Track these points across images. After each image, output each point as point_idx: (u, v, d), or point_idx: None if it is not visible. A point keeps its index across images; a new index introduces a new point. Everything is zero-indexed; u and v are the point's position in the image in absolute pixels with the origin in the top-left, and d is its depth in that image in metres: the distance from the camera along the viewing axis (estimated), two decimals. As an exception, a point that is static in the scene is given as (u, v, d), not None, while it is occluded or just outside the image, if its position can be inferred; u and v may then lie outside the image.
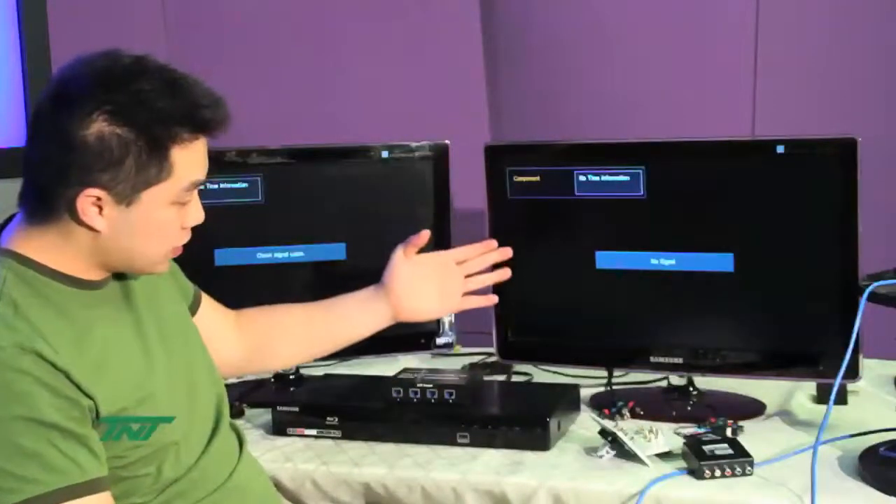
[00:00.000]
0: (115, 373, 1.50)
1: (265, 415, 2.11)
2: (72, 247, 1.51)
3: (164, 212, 1.52)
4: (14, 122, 2.36)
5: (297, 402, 2.09)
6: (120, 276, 1.62)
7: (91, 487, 1.43)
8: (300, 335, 1.98)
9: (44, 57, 2.38)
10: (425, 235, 1.96)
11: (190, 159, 1.51)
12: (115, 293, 1.61)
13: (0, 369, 1.40)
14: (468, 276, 1.99)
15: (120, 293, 1.62)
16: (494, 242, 1.99)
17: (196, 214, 1.58)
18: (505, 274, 2.00)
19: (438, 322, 2.33)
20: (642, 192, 2.12)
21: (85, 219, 1.48)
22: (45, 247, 1.51)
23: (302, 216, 2.29)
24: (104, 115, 1.45)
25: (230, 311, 1.96)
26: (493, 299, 2.06)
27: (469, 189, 2.30)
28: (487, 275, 2.01)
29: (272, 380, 2.34)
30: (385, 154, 2.31)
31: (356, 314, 1.98)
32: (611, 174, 2.14)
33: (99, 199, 1.47)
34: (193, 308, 1.85)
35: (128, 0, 2.97)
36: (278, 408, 2.07)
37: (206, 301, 1.90)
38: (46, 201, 1.50)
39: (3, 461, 1.39)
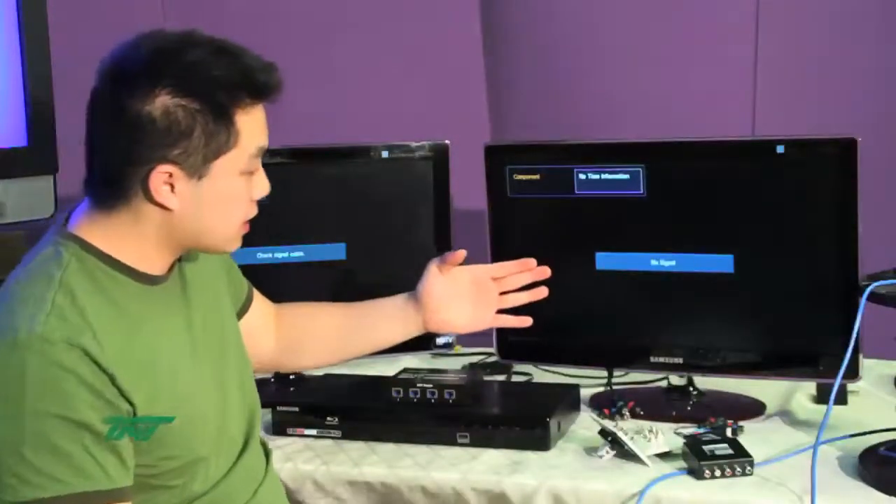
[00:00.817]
0: (158, 379, 1.48)
1: (265, 415, 2.10)
2: (141, 230, 1.50)
3: (234, 182, 1.51)
4: (14, 122, 2.35)
5: (297, 402, 2.09)
6: (181, 268, 1.61)
7: (114, 496, 1.42)
8: (333, 337, 1.96)
9: (44, 57, 2.38)
10: (461, 254, 1.90)
11: (253, 124, 1.51)
12: (174, 288, 1.59)
13: (46, 364, 1.38)
14: (503, 293, 1.93)
15: (179, 287, 1.60)
16: (533, 261, 1.92)
17: (263, 185, 1.58)
18: (541, 293, 1.94)
19: None
20: (642, 191, 2.12)
21: (158, 197, 1.47)
22: (111, 234, 1.50)
23: (302, 216, 2.29)
24: (166, 89, 1.44)
25: (272, 306, 1.94)
26: (528, 321, 1.95)
27: (469, 189, 2.30)
28: (522, 293, 1.93)
29: (272, 380, 2.34)
30: (385, 154, 2.31)
31: (389, 322, 1.94)
32: (611, 172, 2.14)
33: (171, 175, 1.46)
34: (245, 307, 1.85)
35: (128, 0, 2.97)
36: (278, 408, 2.07)
37: (257, 297, 1.89)
38: (116, 184, 1.48)
39: (32, 455, 1.38)
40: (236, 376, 1.68)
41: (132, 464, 1.46)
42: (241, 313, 1.83)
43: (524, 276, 1.93)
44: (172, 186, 1.47)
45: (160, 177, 1.46)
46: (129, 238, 1.51)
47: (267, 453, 1.75)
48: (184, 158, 1.46)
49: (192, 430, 1.53)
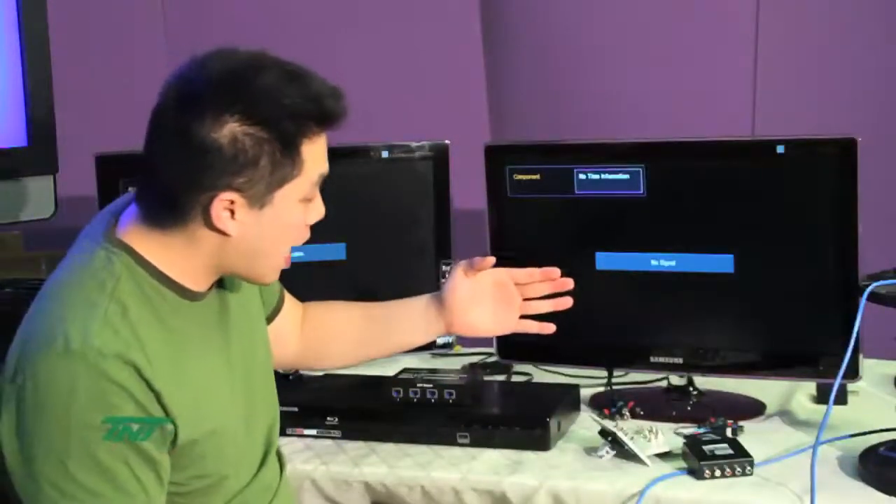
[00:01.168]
0: (199, 400, 1.47)
1: (265, 415, 2.11)
2: (195, 251, 1.47)
3: (294, 210, 1.50)
4: (14, 122, 2.35)
5: (297, 402, 2.09)
6: (219, 287, 1.58)
7: None
8: (356, 337, 1.91)
9: (44, 57, 2.38)
10: (490, 261, 1.85)
11: (317, 153, 1.49)
12: (213, 305, 1.57)
13: (97, 377, 1.37)
14: (527, 299, 1.89)
15: (217, 305, 1.58)
16: (557, 271, 1.88)
17: (319, 209, 1.56)
18: (566, 303, 1.90)
19: None
20: (642, 191, 2.12)
21: (218, 223, 1.44)
22: (163, 250, 1.47)
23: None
24: (235, 116, 1.41)
25: (301, 307, 1.91)
26: (551, 328, 1.90)
27: (469, 189, 2.30)
28: (547, 302, 1.90)
29: (272, 380, 2.34)
30: (385, 154, 2.31)
31: (412, 323, 1.89)
32: (611, 172, 2.14)
33: (232, 202, 1.43)
34: (276, 310, 1.82)
35: (128, 0, 2.97)
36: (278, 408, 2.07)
37: (288, 300, 1.86)
38: (175, 207, 1.45)
39: (75, 467, 1.37)
40: (262, 391, 1.67)
41: (167, 480, 1.45)
42: (271, 317, 1.81)
43: (546, 285, 1.88)
44: (233, 213, 1.45)
45: (222, 203, 1.43)
46: (180, 257, 1.48)
47: (282, 464, 1.74)
48: (248, 187, 1.43)
49: (223, 449, 1.53)
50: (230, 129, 1.41)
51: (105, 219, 1.52)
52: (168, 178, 1.45)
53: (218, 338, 1.57)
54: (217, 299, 1.58)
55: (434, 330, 1.88)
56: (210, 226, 1.45)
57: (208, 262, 1.49)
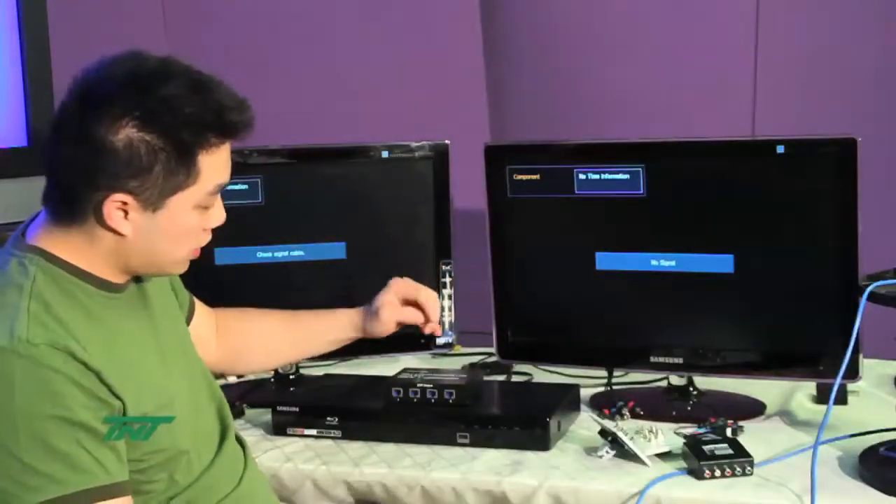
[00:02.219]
0: (139, 376, 1.51)
1: (265, 415, 2.11)
2: (96, 249, 1.51)
3: (188, 216, 1.52)
4: (14, 122, 2.36)
5: (297, 402, 2.09)
6: (137, 280, 1.62)
7: (115, 490, 1.43)
8: (274, 344, 2.00)
9: (44, 57, 2.38)
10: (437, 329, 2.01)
11: (216, 163, 1.51)
12: (134, 297, 1.61)
13: (34, 367, 1.39)
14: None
15: (138, 297, 1.62)
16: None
17: (219, 215, 1.59)
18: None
19: (439, 322, 2.32)
20: (642, 190, 2.12)
21: (110, 223, 1.48)
22: (69, 248, 1.51)
23: (302, 216, 2.29)
24: (133, 121, 1.44)
25: (213, 313, 1.97)
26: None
27: (469, 189, 2.30)
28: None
29: (272, 380, 2.34)
30: (385, 154, 2.31)
31: (333, 335, 2.01)
32: (611, 172, 2.14)
33: (125, 203, 1.46)
34: (189, 316, 1.86)
35: (128, 0, 2.97)
36: (278, 408, 2.07)
37: (199, 306, 1.91)
38: (72, 203, 1.49)
39: (30, 458, 1.38)
40: (200, 373, 1.72)
41: (126, 458, 1.47)
42: (186, 320, 1.85)
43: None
44: (126, 213, 1.48)
45: (114, 204, 1.47)
46: (84, 253, 1.52)
47: (242, 444, 1.77)
48: (140, 191, 1.46)
49: (175, 424, 1.55)
50: (126, 134, 1.44)
51: (14, 235, 1.56)
52: (65, 176, 1.49)
53: (145, 325, 1.61)
54: (137, 291, 1.62)
55: (350, 334, 2.01)
56: (104, 225, 1.48)
57: (111, 259, 1.53)
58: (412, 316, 1.98)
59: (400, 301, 1.98)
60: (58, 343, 1.41)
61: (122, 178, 1.45)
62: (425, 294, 1.99)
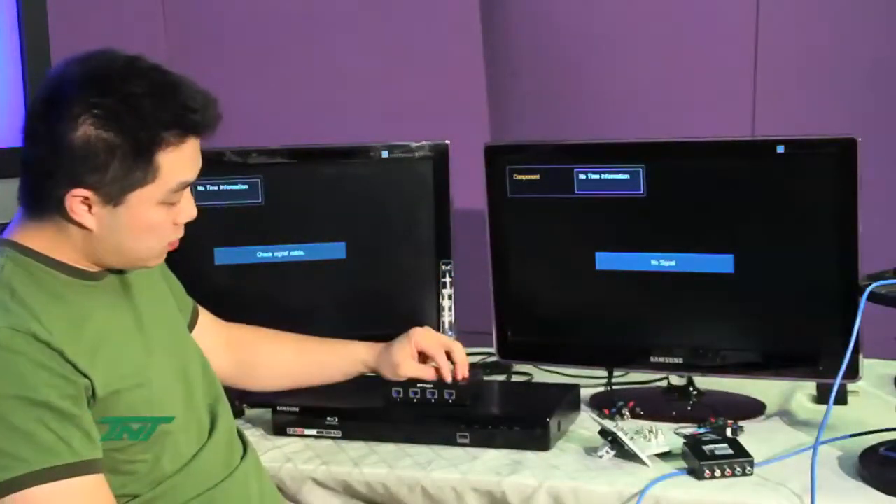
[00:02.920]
0: (112, 355, 1.52)
1: (265, 415, 2.11)
2: (67, 242, 1.53)
3: (152, 212, 1.53)
4: (14, 122, 2.35)
5: (297, 402, 2.09)
6: (118, 272, 1.64)
7: (82, 469, 1.44)
8: (285, 367, 2.03)
9: (44, 57, 2.38)
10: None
11: (177, 161, 1.52)
12: (114, 286, 1.62)
13: None
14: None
15: (119, 286, 1.63)
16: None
17: (188, 211, 1.59)
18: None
19: (438, 322, 2.33)
20: (642, 190, 2.12)
21: (75, 217, 1.50)
22: (42, 240, 1.54)
23: (302, 216, 2.29)
24: (91, 119, 1.46)
25: (223, 325, 1.98)
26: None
27: (469, 189, 2.30)
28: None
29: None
30: (385, 154, 2.31)
31: (344, 367, 2.04)
32: (611, 172, 2.14)
33: (87, 198, 1.49)
34: (192, 323, 1.87)
35: (128, 0, 2.97)
36: (278, 408, 2.07)
37: (204, 315, 1.92)
38: (39, 199, 1.52)
39: None
40: (198, 366, 1.72)
41: (98, 437, 1.48)
42: (189, 327, 1.86)
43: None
44: (90, 208, 1.50)
45: (76, 199, 1.49)
46: (56, 246, 1.54)
47: (244, 442, 1.77)
48: (99, 186, 1.48)
49: (154, 400, 1.56)
50: (84, 131, 1.46)
51: None
52: (32, 172, 1.53)
53: (124, 310, 1.62)
54: (118, 284, 1.63)
55: (358, 371, 2.04)
56: (69, 219, 1.50)
57: (82, 253, 1.55)
58: (429, 374, 2.00)
59: (418, 355, 2.01)
60: (19, 326, 1.43)
61: (81, 173, 1.47)
62: (446, 352, 2.01)
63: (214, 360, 1.86)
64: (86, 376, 1.47)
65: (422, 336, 2.00)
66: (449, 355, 2.00)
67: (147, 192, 1.51)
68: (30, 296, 1.48)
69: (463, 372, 1.99)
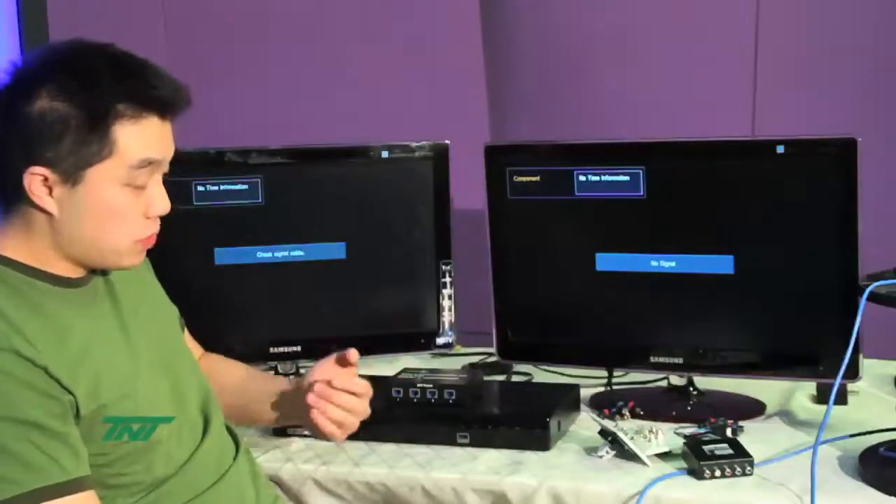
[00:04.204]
0: (96, 369, 1.48)
1: (265, 415, 2.11)
2: (36, 237, 1.50)
3: (113, 193, 1.49)
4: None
5: (297, 402, 2.09)
6: (105, 273, 1.61)
7: (72, 487, 1.42)
8: (232, 396, 1.85)
9: (44, 57, 2.38)
10: (354, 354, 1.80)
11: (135, 137, 1.48)
12: (97, 291, 1.59)
13: None
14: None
15: (104, 290, 1.60)
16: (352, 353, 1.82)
17: (159, 203, 1.54)
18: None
19: (438, 322, 2.33)
20: (642, 192, 2.12)
21: (34, 199, 1.47)
22: (14, 242, 1.50)
23: (302, 216, 2.29)
24: (47, 91, 1.45)
25: (200, 349, 1.92)
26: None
27: (469, 189, 2.30)
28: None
29: (272, 380, 2.34)
30: (385, 154, 2.31)
31: (276, 404, 1.85)
32: (611, 174, 2.14)
33: (46, 179, 1.46)
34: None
35: (128, 0, 2.97)
36: (278, 408, 2.07)
37: (185, 334, 1.87)
38: (2, 186, 1.49)
39: None
40: (187, 365, 1.70)
41: (85, 454, 1.46)
42: None
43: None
44: (51, 190, 1.47)
45: (35, 178, 1.46)
46: (29, 244, 1.51)
47: (236, 441, 1.75)
48: (55, 161, 1.45)
49: (142, 412, 1.53)
50: (39, 104, 1.45)
51: None
52: None
53: (108, 317, 1.58)
54: (103, 287, 1.60)
55: (288, 414, 1.84)
56: (31, 204, 1.47)
57: (54, 248, 1.51)
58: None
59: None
60: (2, 343, 1.40)
61: (36, 147, 1.45)
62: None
63: None
64: (70, 392, 1.44)
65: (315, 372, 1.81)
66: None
67: (105, 168, 1.47)
68: (10, 308, 1.44)
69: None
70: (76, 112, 1.45)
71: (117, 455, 1.51)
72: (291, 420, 1.90)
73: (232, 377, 1.89)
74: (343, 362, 1.80)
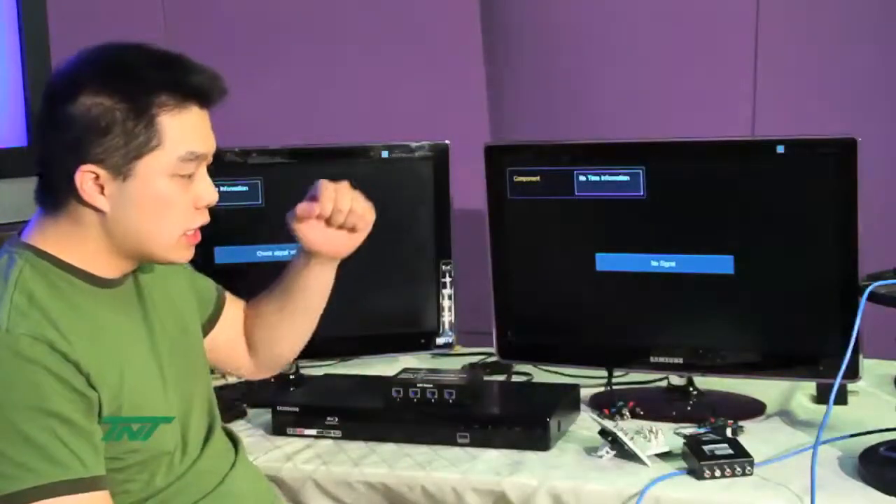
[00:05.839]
0: (122, 371, 1.50)
1: (265, 415, 2.11)
2: (84, 235, 1.51)
3: (163, 185, 1.50)
4: (14, 122, 2.36)
5: (297, 402, 2.09)
6: (136, 277, 1.62)
7: (90, 484, 1.42)
8: (281, 322, 1.91)
9: (44, 57, 2.38)
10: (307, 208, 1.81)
11: (181, 127, 1.49)
12: (129, 293, 1.60)
13: (12, 357, 1.40)
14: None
15: (135, 294, 1.62)
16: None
17: (208, 193, 1.56)
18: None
19: (438, 322, 2.33)
20: (642, 193, 2.12)
21: (86, 197, 1.48)
22: (60, 239, 1.52)
23: (302, 216, 2.29)
24: (89, 88, 1.46)
25: (240, 301, 1.94)
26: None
27: (469, 189, 2.30)
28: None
29: (272, 380, 2.34)
30: (385, 154, 2.31)
31: (309, 280, 1.89)
32: (611, 174, 2.14)
33: (97, 176, 1.47)
34: (216, 312, 1.85)
35: (128, 0, 2.97)
36: (278, 408, 2.07)
37: (231, 301, 1.89)
38: (52, 188, 1.51)
39: (6, 447, 1.38)
40: (201, 371, 1.71)
41: (103, 454, 1.46)
42: (213, 319, 1.85)
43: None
44: (102, 188, 1.48)
45: (86, 177, 1.47)
46: (75, 242, 1.52)
47: (235, 441, 1.76)
48: (105, 157, 1.46)
49: (157, 416, 1.54)
50: (83, 101, 1.46)
51: (13, 235, 1.57)
52: (42, 159, 1.52)
53: (138, 323, 1.60)
54: (134, 291, 1.61)
55: (315, 277, 1.87)
56: (83, 202, 1.49)
57: (102, 245, 1.52)
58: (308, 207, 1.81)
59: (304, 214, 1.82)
60: (38, 333, 1.42)
61: (85, 145, 1.46)
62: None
63: (241, 349, 1.88)
64: (96, 391, 1.45)
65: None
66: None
67: (153, 159, 1.48)
68: (47, 302, 1.46)
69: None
70: (120, 104, 1.46)
71: (130, 462, 1.51)
72: (325, 263, 1.87)
73: (270, 304, 1.92)
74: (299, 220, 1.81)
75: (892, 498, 1.70)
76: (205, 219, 1.58)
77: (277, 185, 2.27)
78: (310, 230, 1.83)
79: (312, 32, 2.90)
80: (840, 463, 1.83)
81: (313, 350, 2.26)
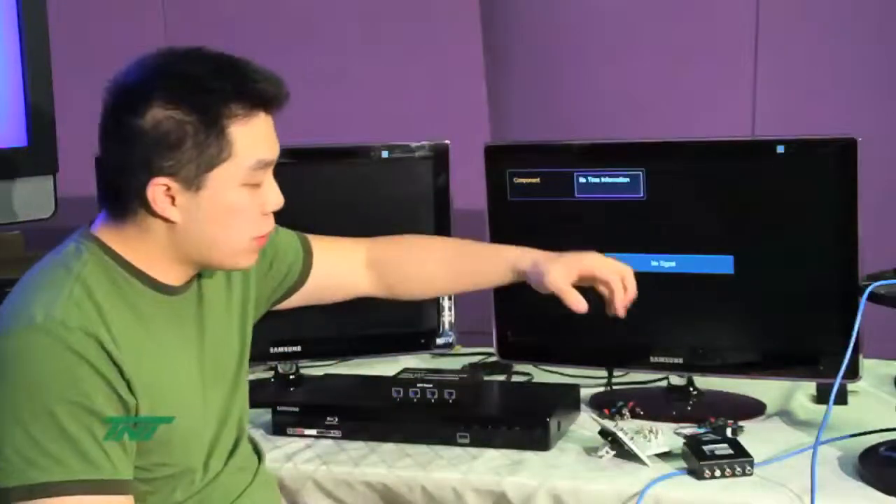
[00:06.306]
0: (163, 384, 1.49)
1: (265, 415, 2.11)
2: (151, 242, 1.51)
3: (235, 194, 1.50)
4: (14, 122, 2.35)
5: (297, 402, 2.09)
6: (199, 283, 1.61)
7: (118, 487, 1.42)
8: (433, 282, 1.97)
9: (44, 57, 2.38)
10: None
11: (251, 136, 1.49)
12: (190, 302, 1.59)
13: (62, 348, 1.40)
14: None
15: (195, 302, 1.61)
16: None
17: (275, 198, 1.56)
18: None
19: (438, 322, 2.33)
20: (642, 194, 2.12)
21: (158, 210, 1.47)
22: (126, 243, 1.51)
23: (301, 216, 2.28)
24: (158, 101, 1.44)
25: (361, 248, 1.95)
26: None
27: (469, 189, 2.30)
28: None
29: (272, 380, 2.34)
30: (385, 154, 2.31)
31: (491, 272, 1.93)
32: (611, 176, 2.14)
33: (168, 188, 1.46)
34: (306, 268, 1.87)
35: (128, 0, 2.97)
36: (278, 408, 2.07)
37: (329, 250, 1.91)
38: (121, 199, 1.50)
39: (40, 435, 1.38)
40: (241, 384, 1.70)
41: (133, 460, 1.46)
42: (302, 278, 1.87)
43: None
44: (173, 199, 1.47)
45: (158, 189, 1.46)
46: (142, 248, 1.51)
47: (259, 454, 1.76)
48: (177, 170, 1.46)
49: (189, 440, 1.55)
50: (153, 114, 1.45)
51: (84, 225, 1.57)
52: (110, 169, 1.51)
53: (193, 335, 1.59)
54: (195, 300, 1.61)
55: (509, 279, 1.91)
56: (153, 213, 1.48)
57: (169, 253, 1.52)
58: (575, 302, 1.84)
59: (578, 279, 1.84)
60: (89, 329, 1.41)
61: (157, 159, 1.45)
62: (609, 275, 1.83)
63: (353, 280, 1.91)
64: (135, 397, 1.45)
65: (597, 262, 1.84)
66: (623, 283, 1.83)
67: (225, 170, 1.47)
68: (105, 299, 1.45)
69: (629, 300, 1.83)
70: (190, 117, 1.45)
71: (158, 475, 1.51)
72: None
73: (430, 260, 1.97)
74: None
75: (892, 498, 1.70)
76: (271, 224, 1.58)
77: (278, 185, 2.26)
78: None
79: (312, 32, 2.90)
80: (840, 463, 1.83)
81: (314, 350, 2.27)
